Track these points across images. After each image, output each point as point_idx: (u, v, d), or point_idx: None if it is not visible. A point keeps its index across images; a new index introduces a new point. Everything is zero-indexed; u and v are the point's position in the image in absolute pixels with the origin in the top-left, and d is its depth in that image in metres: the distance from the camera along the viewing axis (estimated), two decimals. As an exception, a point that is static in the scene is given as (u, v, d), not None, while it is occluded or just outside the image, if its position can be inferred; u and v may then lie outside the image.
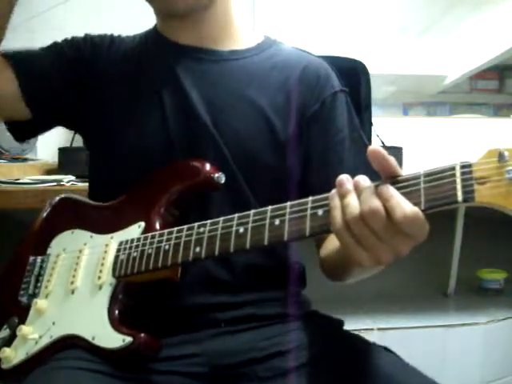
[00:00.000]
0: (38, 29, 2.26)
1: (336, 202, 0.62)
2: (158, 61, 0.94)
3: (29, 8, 2.29)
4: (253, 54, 0.95)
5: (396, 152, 1.67)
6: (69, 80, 0.95)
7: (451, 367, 1.63)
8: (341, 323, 0.90)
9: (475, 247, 1.85)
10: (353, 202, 0.60)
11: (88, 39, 0.98)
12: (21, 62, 0.96)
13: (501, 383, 1.69)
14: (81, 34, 0.99)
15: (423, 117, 2.98)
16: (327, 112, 0.92)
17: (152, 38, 0.98)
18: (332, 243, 0.84)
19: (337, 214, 0.61)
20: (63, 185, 1.40)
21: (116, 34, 1.01)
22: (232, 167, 0.87)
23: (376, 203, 0.58)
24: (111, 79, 0.94)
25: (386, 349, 0.82)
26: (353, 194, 0.61)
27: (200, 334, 0.84)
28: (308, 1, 2.65)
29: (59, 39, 1.01)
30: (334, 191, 0.63)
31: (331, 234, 0.84)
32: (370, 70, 1.68)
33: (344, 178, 0.62)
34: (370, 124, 1.72)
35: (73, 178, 1.45)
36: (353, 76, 1.60)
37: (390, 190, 0.59)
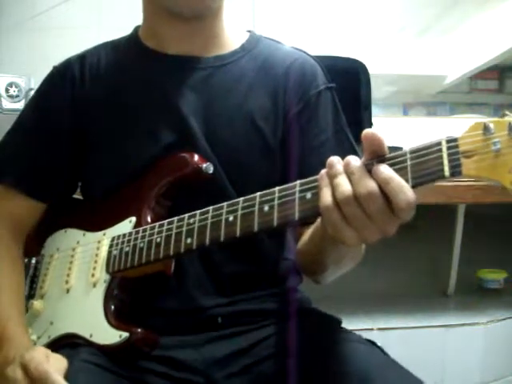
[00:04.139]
0: (38, 28, 2.26)
1: (325, 182, 0.62)
2: (141, 73, 0.92)
3: (30, 7, 2.29)
4: (238, 57, 0.92)
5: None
6: (65, 144, 0.93)
7: (451, 367, 1.63)
8: (338, 322, 0.90)
9: (475, 247, 1.85)
10: (343, 182, 0.60)
11: (56, 79, 0.95)
12: (24, 182, 0.94)
13: (501, 383, 1.69)
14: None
15: (423, 117, 2.98)
16: (310, 112, 0.90)
17: (133, 49, 0.95)
18: (307, 234, 0.84)
19: (326, 194, 0.61)
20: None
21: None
22: (224, 178, 0.85)
23: (372, 185, 0.58)
24: (93, 102, 0.91)
25: (372, 343, 0.82)
26: (343, 175, 0.61)
27: (198, 337, 0.84)
28: (308, 1, 2.65)
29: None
30: (323, 171, 0.63)
31: (308, 229, 0.85)
32: (370, 70, 1.67)
33: (334, 159, 0.62)
34: (370, 124, 1.72)
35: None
36: (353, 76, 1.60)
37: (389, 171, 0.58)
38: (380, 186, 0.58)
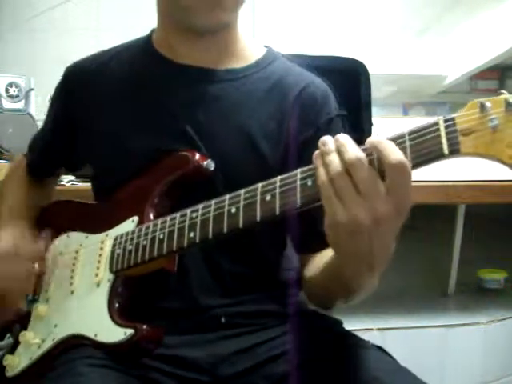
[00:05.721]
0: (38, 28, 2.26)
1: (320, 161, 0.63)
2: (150, 79, 0.92)
3: (30, 8, 2.29)
4: (250, 72, 0.92)
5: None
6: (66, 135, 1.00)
7: (451, 367, 1.63)
8: (339, 323, 0.90)
9: (475, 247, 1.85)
10: (334, 158, 0.61)
11: (68, 76, 0.99)
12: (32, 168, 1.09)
13: (501, 383, 1.69)
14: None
15: (423, 117, 2.98)
16: (320, 138, 0.90)
17: (145, 53, 0.95)
18: (320, 261, 0.82)
19: (321, 171, 0.62)
20: (63, 185, 1.40)
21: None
22: (221, 192, 0.85)
23: (360, 153, 0.60)
24: (98, 102, 0.93)
25: (380, 349, 0.82)
26: (334, 152, 0.62)
27: (203, 336, 0.84)
28: (308, 1, 2.65)
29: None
30: (317, 152, 0.64)
31: (318, 254, 0.85)
32: (370, 70, 1.67)
33: (327, 138, 0.64)
34: (370, 124, 1.71)
35: (73, 178, 1.45)
36: (353, 76, 1.60)
37: (378, 138, 0.60)
38: (369, 154, 0.60)
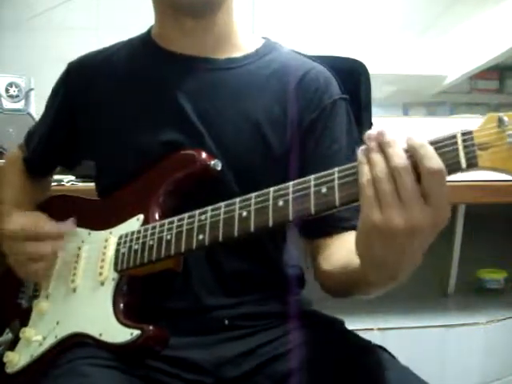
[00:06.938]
0: (38, 28, 2.26)
1: (364, 159, 0.60)
2: (151, 71, 0.92)
3: (30, 7, 2.29)
4: (250, 61, 0.92)
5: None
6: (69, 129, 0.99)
7: (451, 367, 1.63)
8: (341, 323, 0.90)
9: (475, 247, 1.85)
10: (380, 160, 0.59)
11: (71, 72, 0.99)
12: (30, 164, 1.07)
13: (501, 383, 1.69)
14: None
15: (423, 117, 2.98)
16: (325, 120, 0.89)
17: (145, 47, 0.96)
18: (341, 257, 0.79)
19: (365, 169, 0.60)
20: (63, 185, 1.40)
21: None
22: (229, 181, 0.85)
23: (406, 157, 0.57)
24: (98, 100, 0.93)
25: (382, 349, 0.82)
26: (380, 153, 0.59)
27: (206, 338, 0.84)
28: (308, 1, 2.65)
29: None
30: (363, 148, 0.61)
31: (332, 242, 0.84)
32: (370, 70, 1.67)
33: (375, 133, 0.61)
34: (370, 124, 1.71)
35: (73, 178, 1.45)
36: (353, 76, 1.60)
37: (419, 141, 0.57)
38: (412, 156, 0.57)
